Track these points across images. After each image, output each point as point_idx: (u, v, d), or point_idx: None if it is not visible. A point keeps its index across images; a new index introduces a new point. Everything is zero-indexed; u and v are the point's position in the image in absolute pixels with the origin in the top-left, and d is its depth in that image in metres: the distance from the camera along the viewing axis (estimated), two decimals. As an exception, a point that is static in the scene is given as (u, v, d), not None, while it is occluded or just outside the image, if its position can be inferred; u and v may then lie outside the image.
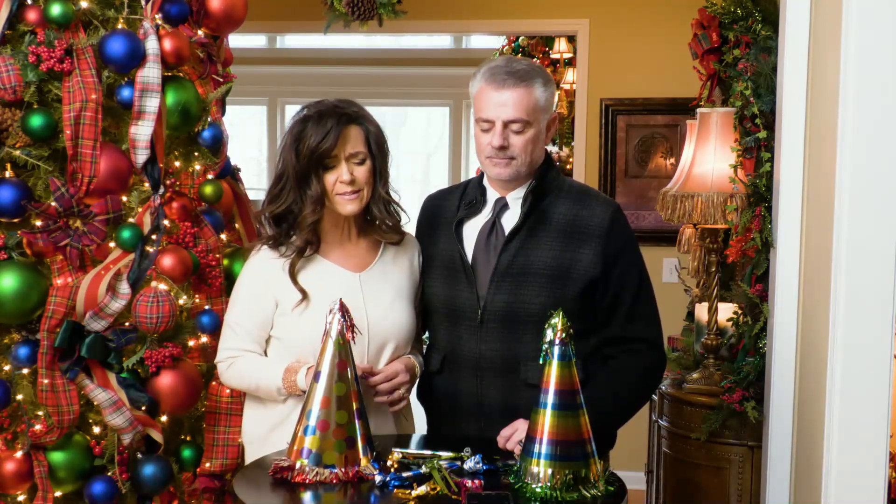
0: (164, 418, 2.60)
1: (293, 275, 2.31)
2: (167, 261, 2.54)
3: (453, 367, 2.37)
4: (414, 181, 8.42)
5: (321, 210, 2.30)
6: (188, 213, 2.65)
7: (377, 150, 2.32)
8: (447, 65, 7.78)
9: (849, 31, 2.33)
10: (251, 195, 3.07)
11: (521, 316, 2.29)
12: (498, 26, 5.31)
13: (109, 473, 2.53)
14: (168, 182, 2.61)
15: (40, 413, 2.47)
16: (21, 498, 2.52)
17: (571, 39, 5.85)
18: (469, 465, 2.04)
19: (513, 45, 6.23)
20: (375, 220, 2.37)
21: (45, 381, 2.43)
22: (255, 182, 7.70)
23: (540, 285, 2.29)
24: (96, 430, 2.54)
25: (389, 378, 2.31)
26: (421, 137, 8.61)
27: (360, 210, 2.33)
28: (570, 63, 5.94)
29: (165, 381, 2.54)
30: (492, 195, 2.41)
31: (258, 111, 8.21)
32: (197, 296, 2.66)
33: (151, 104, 2.52)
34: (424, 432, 2.47)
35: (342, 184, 2.27)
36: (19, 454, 2.48)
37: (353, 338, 2.10)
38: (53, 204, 2.45)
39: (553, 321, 1.94)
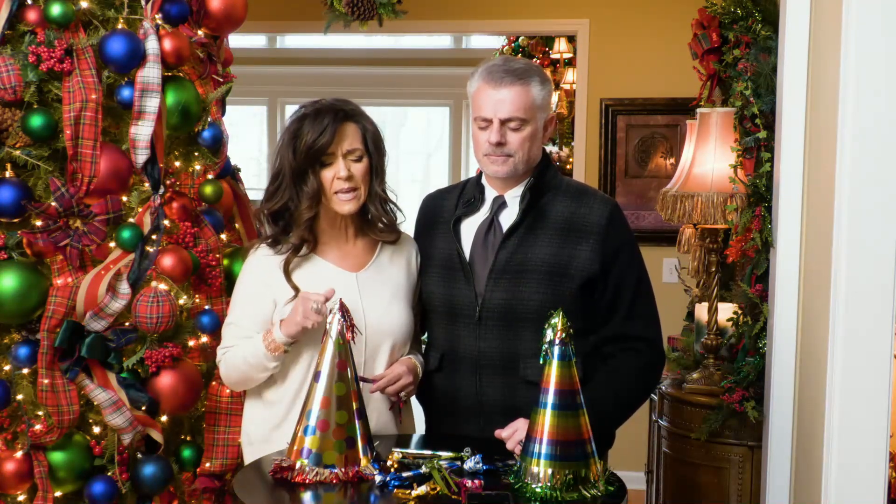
0: (164, 418, 2.60)
1: (287, 272, 2.30)
2: (167, 261, 2.54)
3: (452, 366, 2.37)
4: (414, 181, 8.41)
5: (317, 206, 2.30)
6: (188, 213, 2.65)
7: (374, 149, 2.33)
8: (447, 65, 7.77)
9: (849, 31, 2.32)
10: (251, 195, 3.07)
11: (520, 313, 2.29)
12: (498, 26, 5.31)
13: (109, 473, 2.53)
14: (168, 182, 2.62)
15: (40, 413, 2.48)
16: (21, 498, 2.52)
17: (571, 39, 5.85)
18: (469, 465, 2.04)
19: (513, 45, 6.23)
20: (372, 219, 2.38)
21: (45, 381, 2.43)
22: (255, 182, 7.67)
23: (538, 282, 2.29)
24: (96, 430, 2.55)
25: (393, 382, 2.31)
26: (421, 137, 8.60)
27: (358, 208, 2.33)
28: (570, 63, 5.94)
29: (165, 381, 2.54)
30: (490, 193, 2.41)
31: (258, 111, 8.21)
32: (197, 296, 2.66)
33: (151, 104, 2.52)
34: (424, 432, 2.46)
35: (339, 180, 2.28)
36: (19, 454, 2.48)
37: (353, 338, 2.10)
38: (53, 204, 2.45)
39: (553, 321, 1.94)
